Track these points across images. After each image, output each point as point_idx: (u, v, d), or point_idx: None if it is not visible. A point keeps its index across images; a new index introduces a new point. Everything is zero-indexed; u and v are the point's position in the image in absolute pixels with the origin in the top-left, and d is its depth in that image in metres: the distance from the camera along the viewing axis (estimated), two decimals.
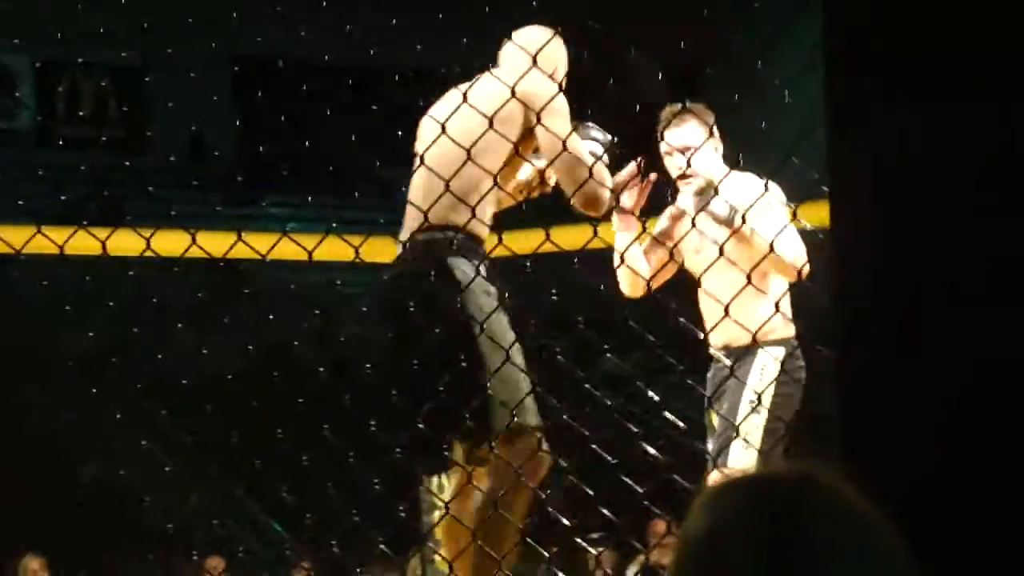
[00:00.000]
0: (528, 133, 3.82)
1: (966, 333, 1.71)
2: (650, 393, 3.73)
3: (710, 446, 4.36)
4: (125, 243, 5.09)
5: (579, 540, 3.80)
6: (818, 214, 4.18)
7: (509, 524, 3.65)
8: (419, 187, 3.77)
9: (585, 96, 4.02)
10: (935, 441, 1.70)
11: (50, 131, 14.10)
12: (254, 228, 5.65)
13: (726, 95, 4.37)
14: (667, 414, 4.20)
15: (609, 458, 3.76)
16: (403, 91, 5.20)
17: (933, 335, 1.73)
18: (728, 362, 4.30)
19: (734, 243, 4.09)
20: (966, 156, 1.75)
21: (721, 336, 4.29)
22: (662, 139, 4.33)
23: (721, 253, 3.49)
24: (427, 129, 3.91)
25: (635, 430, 3.97)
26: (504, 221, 4.29)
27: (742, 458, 4.16)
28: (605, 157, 3.92)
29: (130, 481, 8.08)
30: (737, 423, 4.17)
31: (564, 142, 3.72)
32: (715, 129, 4.38)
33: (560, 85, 3.82)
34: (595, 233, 3.49)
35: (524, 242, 4.83)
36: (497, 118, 3.65)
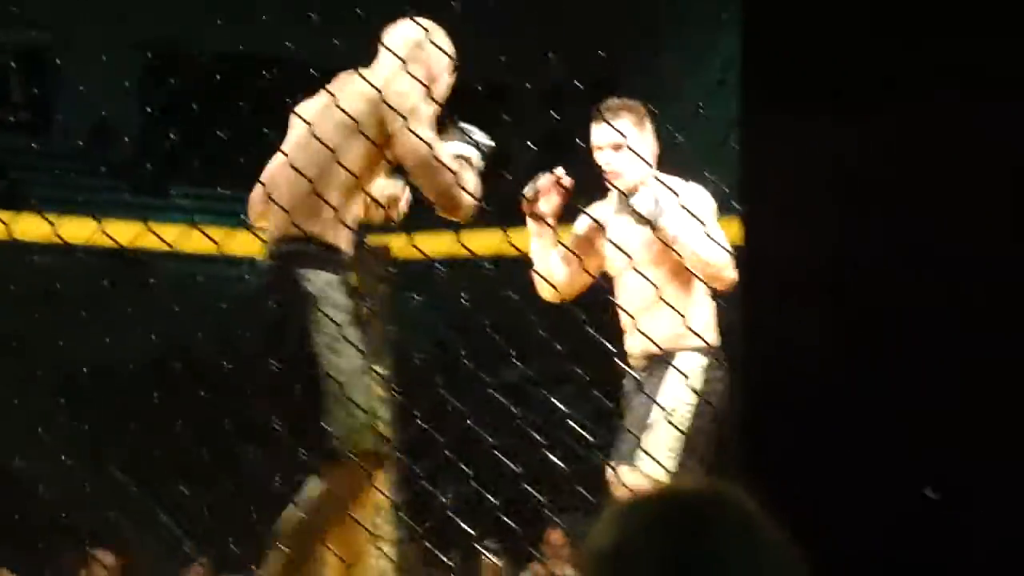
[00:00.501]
0: (387, 139, 3.72)
1: (874, 348, 1.73)
2: (555, 402, 3.72)
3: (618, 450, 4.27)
4: (30, 228, 5.01)
5: (477, 546, 3.79)
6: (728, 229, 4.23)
7: (314, 537, 3.64)
8: (282, 192, 3.70)
9: (470, 96, 3.99)
10: (837, 459, 1.72)
11: None
12: (161, 219, 5.57)
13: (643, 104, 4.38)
14: (571, 424, 4.19)
15: (512, 465, 3.76)
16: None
17: (842, 352, 1.75)
18: (641, 375, 4.25)
19: (657, 244, 4.05)
20: (876, 173, 1.77)
21: (638, 342, 4.21)
22: (593, 133, 4.28)
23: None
24: (295, 127, 3.86)
25: (537, 438, 3.96)
26: (422, 223, 4.28)
27: (649, 464, 4.06)
28: (479, 160, 3.88)
29: (24, 471, 7.95)
30: (650, 428, 4.11)
31: (422, 145, 3.65)
32: (649, 128, 4.33)
33: (430, 85, 3.78)
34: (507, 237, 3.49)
35: (434, 245, 4.82)
36: (351, 123, 3.60)
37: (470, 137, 3.88)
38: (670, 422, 4.09)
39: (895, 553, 1.66)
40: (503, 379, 7.73)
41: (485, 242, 4.52)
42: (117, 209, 7.60)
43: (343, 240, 3.74)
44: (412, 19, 3.91)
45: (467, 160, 3.80)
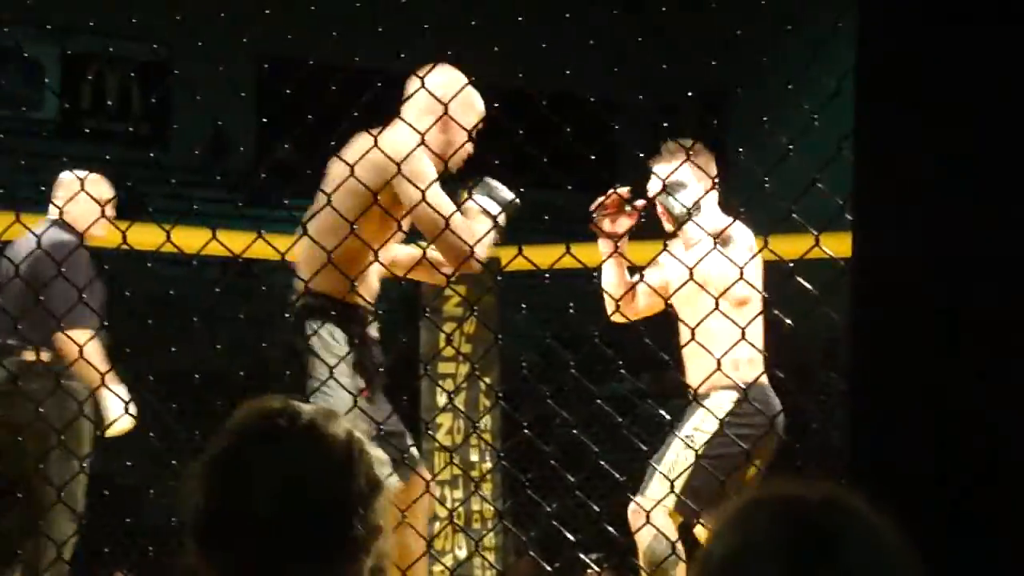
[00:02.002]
0: (394, 198, 3.88)
1: (985, 362, 1.70)
2: (663, 413, 3.73)
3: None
4: (145, 236, 5.10)
5: (582, 556, 3.80)
6: (837, 246, 4.21)
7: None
8: (299, 250, 3.92)
9: (579, 109, 4.02)
10: (944, 468, 1.70)
11: (74, 123, 14.13)
12: (274, 229, 5.65)
13: (755, 119, 4.36)
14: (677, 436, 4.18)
15: (617, 476, 3.75)
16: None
17: (951, 365, 1.73)
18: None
19: (696, 292, 4.04)
20: (993, 184, 1.75)
21: (685, 376, 4.40)
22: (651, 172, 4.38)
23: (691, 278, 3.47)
24: (332, 169, 4.00)
25: (644, 449, 3.96)
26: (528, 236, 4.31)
27: (656, 492, 4.21)
28: (500, 216, 3.99)
29: (135, 477, 8.08)
30: (662, 458, 4.25)
31: (427, 209, 3.78)
32: (710, 171, 4.39)
33: (447, 139, 3.90)
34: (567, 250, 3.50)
35: (543, 257, 4.83)
36: (359, 182, 3.74)
37: (494, 193, 3.98)
38: (685, 450, 4.24)
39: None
40: (611, 391, 7.74)
41: (594, 254, 4.53)
42: (231, 220, 7.70)
43: (357, 296, 3.88)
44: (446, 67, 4.00)
45: (490, 216, 3.89)
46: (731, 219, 4.20)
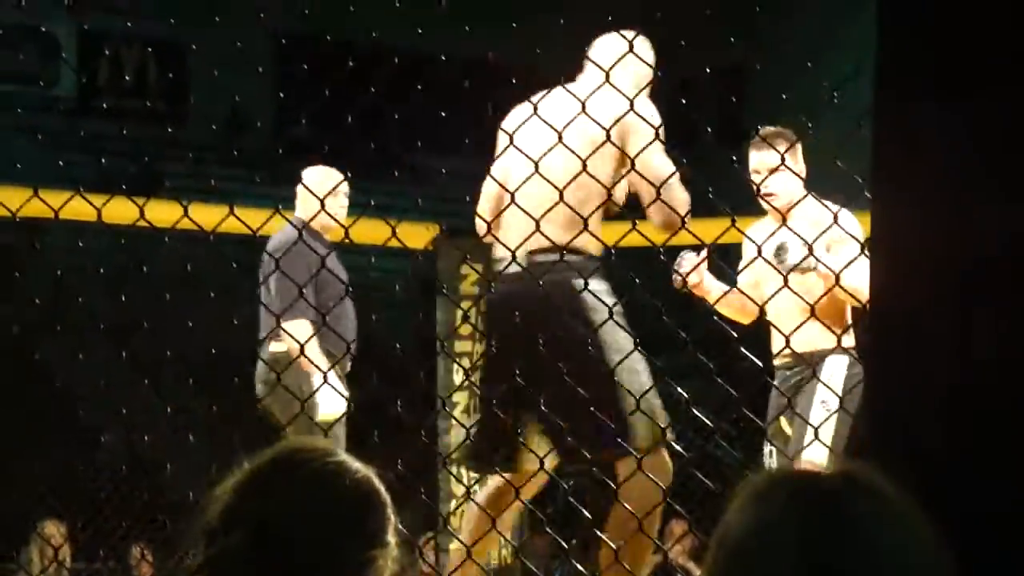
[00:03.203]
0: (622, 158, 3.91)
1: (1007, 339, 1.69)
2: (680, 391, 3.72)
3: (770, 452, 4.75)
4: (162, 213, 5.10)
5: (597, 532, 3.80)
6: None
7: (646, 541, 3.83)
8: (531, 203, 3.58)
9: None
10: (966, 443, 1.69)
11: (91, 100, 14.14)
12: (290, 206, 5.64)
13: (774, 95, 4.35)
14: (696, 415, 4.17)
15: (634, 454, 3.74)
16: (449, 78, 5.19)
17: (972, 339, 1.72)
18: (787, 373, 4.75)
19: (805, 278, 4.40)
20: (1014, 161, 1.73)
21: (785, 343, 4.53)
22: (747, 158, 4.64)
23: (785, 283, 3.49)
24: (530, 138, 3.74)
25: (659, 427, 3.95)
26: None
27: (817, 454, 4.42)
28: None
29: (150, 450, 8.11)
30: (812, 422, 4.46)
31: (661, 168, 3.87)
32: (800, 153, 4.67)
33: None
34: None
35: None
36: (596, 140, 3.60)
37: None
38: (829, 415, 4.51)
39: None
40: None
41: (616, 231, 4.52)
42: (249, 197, 7.70)
43: (594, 248, 3.96)
44: (620, 33, 4.03)
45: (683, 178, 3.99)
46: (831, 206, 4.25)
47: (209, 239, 4.01)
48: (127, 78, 14.12)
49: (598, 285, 3.84)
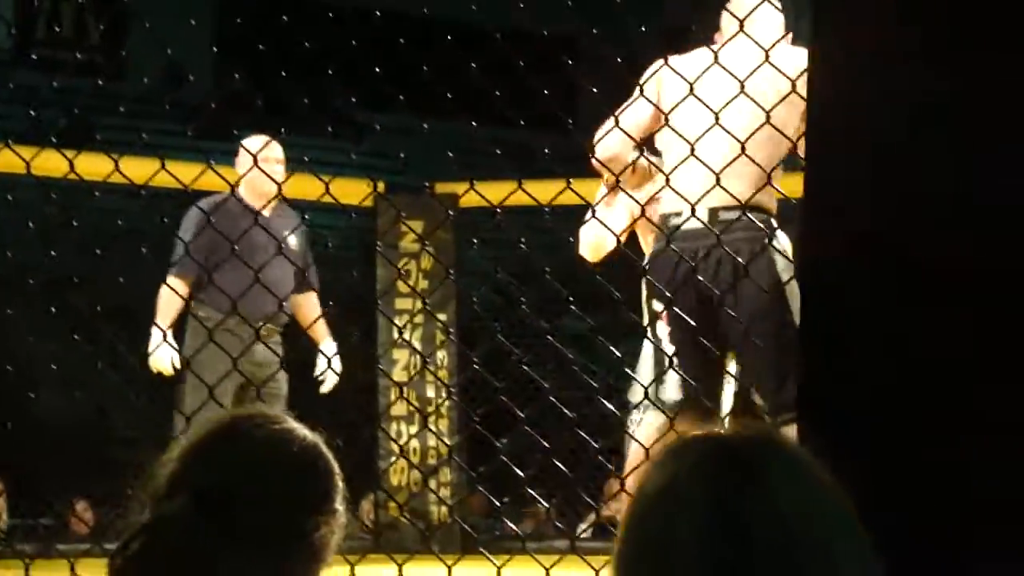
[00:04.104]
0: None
1: (933, 302, 1.69)
2: (613, 351, 3.72)
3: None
4: (93, 165, 5.03)
5: (531, 492, 3.79)
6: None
7: None
8: (712, 159, 3.45)
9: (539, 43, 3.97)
10: (894, 407, 1.70)
11: (27, 51, 13.95)
12: (226, 161, 5.59)
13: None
14: (629, 374, 4.18)
15: (568, 413, 3.75)
16: (386, 32, 5.14)
17: (900, 303, 1.72)
18: None
19: None
20: (947, 127, 1.73)
21: None
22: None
23: None
24: (706, 92, 3.46)
25: (595, 386, 3.96)
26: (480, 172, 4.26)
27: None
28: None
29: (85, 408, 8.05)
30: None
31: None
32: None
33: None
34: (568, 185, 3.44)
35: (498, 193, 4.80)
36: (790, 94, 3.31)
37: None
38: None
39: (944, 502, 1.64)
40: (570, 329, 7.73)
41: (549, 191, 4.50)
42: (182, 151, 7.62)
43: (774, 204, 3.93)
44: None
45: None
46: None
47: (140, 193, 3.95)
48: (62, 30, 13.94)
49: (785, 243, 3.86)
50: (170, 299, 5.37)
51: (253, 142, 5.58)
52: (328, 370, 5.72)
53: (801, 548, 1.11)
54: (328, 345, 5.86)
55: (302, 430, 1.70)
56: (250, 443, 1.66)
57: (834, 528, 1.14)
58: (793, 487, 1.15)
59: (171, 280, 5.40)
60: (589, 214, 4.28)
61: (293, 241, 5.55)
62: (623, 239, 4.41)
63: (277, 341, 5.55)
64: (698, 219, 3.73)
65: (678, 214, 3.88)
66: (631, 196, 3.79)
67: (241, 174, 5.21)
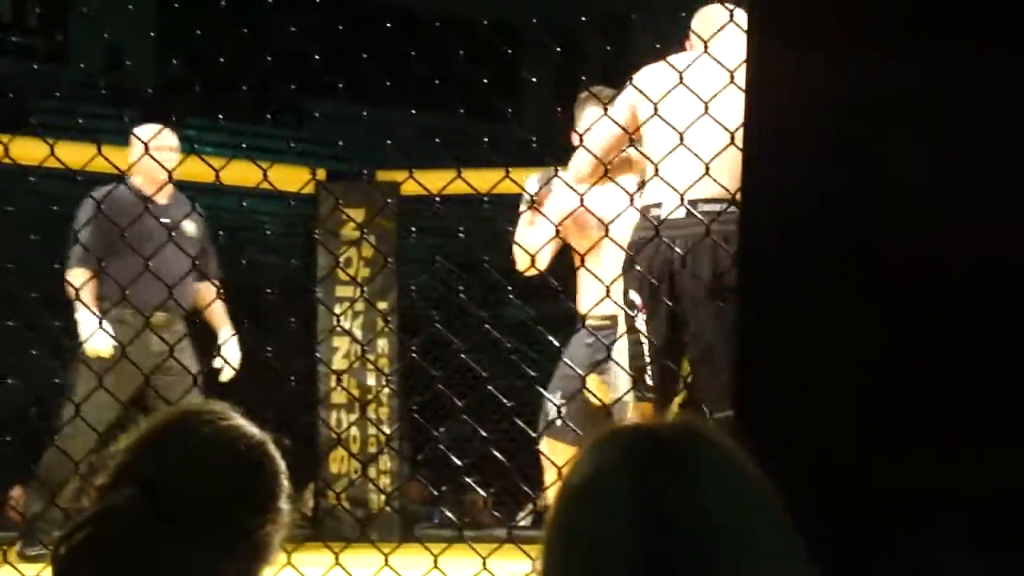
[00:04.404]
0: None
1: (870, 298, 1.70)
2: (551, 339, 3.72)
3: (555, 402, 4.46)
4: (27, 150, 4.98)
5: (469, 481, 3.80)
6: None
7: None
8: (712, 154, 3.48)
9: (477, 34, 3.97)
10: (830, 399, 1.70)
11: None
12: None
13: (651, 42, 4.34)
14: (567, 364, 4.18)
15: (505, 401, 3.75)
16: (328, 19, 5.11)
17: (837, 299, 1.72)
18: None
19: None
20: (891, 116, 1.74)
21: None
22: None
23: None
24: (685, 99, 3.52)
25: (532, 375, 3.96)
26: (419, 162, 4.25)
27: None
28: None
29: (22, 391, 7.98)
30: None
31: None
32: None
33: None
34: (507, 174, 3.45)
35: (437, 182, 4.78)
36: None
37: None
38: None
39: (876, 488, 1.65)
40: (509, 318, 7.73)
41: (488, 180, 4.50)
42: (120, 136, 7.56)
43: None
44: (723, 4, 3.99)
45: None
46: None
47: (76, 178, 3.91)
48: (2, 13, 13.78)
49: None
50: (82, 288, 5.28)
51: (145, 130, 5.50)
52: (224, 357, 5.58)
53: (724, 541, 1.12)
54: (226, 332, 5.79)
55: (250, 428, 1.71)
56: (198, 439, 1.66)
57: (759, 521, 1.14)
58: (718, 480, 1.15)
59: (71, 274, 5.37)
60: (518, 230, 4.42)
61: (190, 227, 5.50)
62: (553, 251, 4.57)
63: (179, 330, 5.48)
64: (687, 207, 3.80)
65: (658, 205, 3.94)
66: (572, 189, 3.81)
67: (132, 161, 5.14)
